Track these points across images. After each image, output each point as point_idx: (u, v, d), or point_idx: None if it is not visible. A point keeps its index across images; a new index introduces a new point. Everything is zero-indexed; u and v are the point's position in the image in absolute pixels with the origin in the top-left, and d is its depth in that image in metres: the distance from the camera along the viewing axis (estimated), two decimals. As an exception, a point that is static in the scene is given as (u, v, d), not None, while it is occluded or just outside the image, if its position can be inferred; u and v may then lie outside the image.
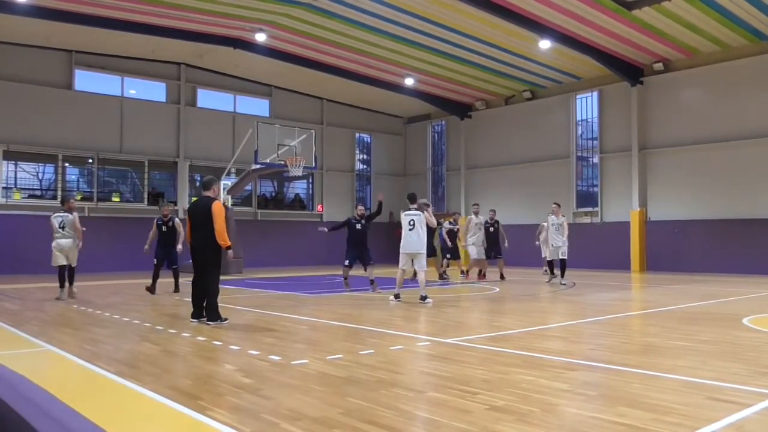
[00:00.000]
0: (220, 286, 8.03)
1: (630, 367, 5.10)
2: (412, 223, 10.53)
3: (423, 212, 10.67)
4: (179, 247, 12.23)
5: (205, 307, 7.87)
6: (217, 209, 7.77)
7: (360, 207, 13.34)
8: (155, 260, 12.24)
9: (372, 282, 12.51)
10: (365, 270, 12.73)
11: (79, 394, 4.42)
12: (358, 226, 12.64)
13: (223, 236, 7.77)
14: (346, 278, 12.75)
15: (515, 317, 8.85)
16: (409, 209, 10.72)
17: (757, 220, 18.11)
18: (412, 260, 10.64)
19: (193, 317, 7.99)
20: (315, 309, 9.75)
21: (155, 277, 12.12)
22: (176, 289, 12.35)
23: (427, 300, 10.29)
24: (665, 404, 3.87)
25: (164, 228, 12.24)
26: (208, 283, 7.87)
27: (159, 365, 5.38)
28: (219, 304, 7.92)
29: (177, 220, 12.60)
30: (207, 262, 7.87)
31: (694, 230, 19.42)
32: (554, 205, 14.44)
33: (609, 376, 4.84)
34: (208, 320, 7.79)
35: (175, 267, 12.41)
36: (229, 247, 8.00)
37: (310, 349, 6.08)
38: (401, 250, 10.67)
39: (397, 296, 10.57)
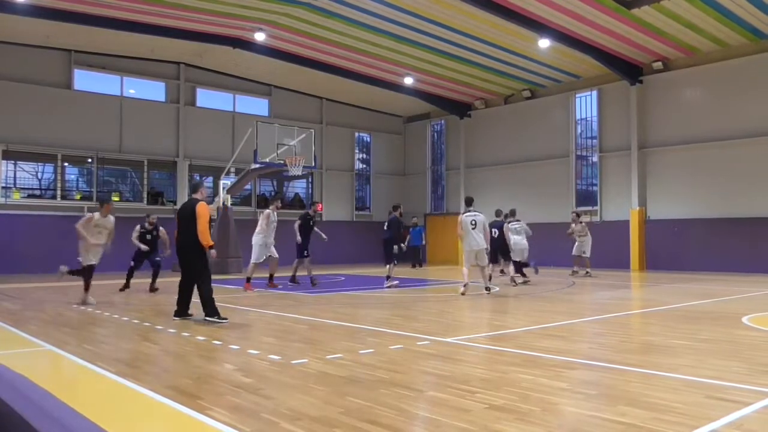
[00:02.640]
0: (212, 285, 8.08)
1: (630, 365, 5.10)
2: (474, 223, 11.51)
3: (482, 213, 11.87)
4: (168, 252, 12.41)
5: (202, 305, 7.94)
6: (201, 210, 7.92)
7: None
8: (134, 262, 12.64)
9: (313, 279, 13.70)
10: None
11: (79, 393, 4.42)
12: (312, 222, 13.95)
13: (205, 236, 7.90)
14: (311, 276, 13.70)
15: (515, 316, 8.85)
16: (469, 210, 11.72)
17: (756, 219, 18.12)
18: (476, 256, 11.58)
19: (175, 315, 8.14)
20: (314, 308, 9.75)
21: (129, 276, 12.56)
22: (153, 285, 12.53)
23: (494, 290, 11.41)
24: (665, 403, 3.87)
25: (148, 237, 12.63)
26: (199, 284, 7.98)
27: (159, 365, 5.38)
28: (216, 303, 7.95)
29: (162, 228, 12.90)
30: (192, 262, 8.01)
31: (694, 229, 19.43)
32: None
33: (609, 375, 4.84)
34: (206, 316, 7.87)
35: (157, 260, 12.65)
36: (211, 247, 8.03)
37: (310, 349, 6.08)
38: (466, 248, 11.66)
39: (465, 285, 11.51)
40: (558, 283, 14.59)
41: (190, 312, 8.17)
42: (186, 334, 7.02)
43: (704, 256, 19.03)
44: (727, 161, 18.81)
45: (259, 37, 20.31)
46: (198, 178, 24.62)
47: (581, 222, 17.55)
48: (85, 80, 21.52)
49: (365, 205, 28.65)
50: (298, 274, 14.01)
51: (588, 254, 17.20)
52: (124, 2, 17.26)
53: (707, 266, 18.76)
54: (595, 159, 22.54)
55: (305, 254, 13.61)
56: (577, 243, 17.28)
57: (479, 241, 11.51)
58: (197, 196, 8.32)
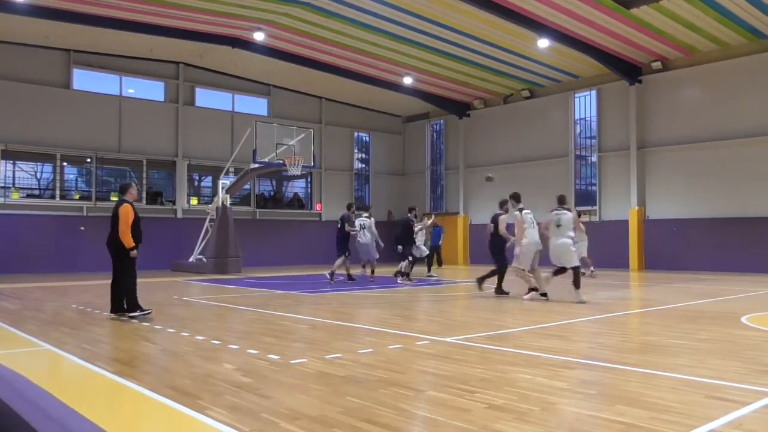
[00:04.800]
0: (137, 280, 8.35)
1: (629, 365, 5.11)
2: (558, 222, 10.76)
3: (572, 211, 11.04)
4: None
5: (125, 302, 8.23)
6: (122, 212, 8.14)
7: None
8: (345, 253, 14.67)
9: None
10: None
11: (78, 394, 4.41)
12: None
13: (125, 237, 8.10)
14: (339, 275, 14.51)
15: (514, 316, 8.85)
16: (558, 209, 10.95)
17: (755, 219, 18.14)
18: (559, 257, 10.69)
19: (111, 311, 8.36)
20: (314, 308, 9.75)
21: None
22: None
23: (546, 297, 10.73)
24: (664, 403, 3.88)
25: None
26: (122, 282, 8.23)
27: (158, 364, 5.38)
28: (216, 302, 7.96)
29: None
30: (116, 261, 8.27)
31: (693, 229, 19.45)
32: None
33: (608, 375, 4.84)
34: (127, 312, 8.16)
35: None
36: (133, 248, 8.17)
37: (309, 348, 6.07)
38: (552, 248, 10.70)
39: (544, 294, 10.88)
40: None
41: (125, 307, 8.36)
42: (185, 333, 7.01)
43: (703, 255, 19.05)
44: (726, 161, 18.83)
45: (258, 36, 20.31)
46: (198, 177, 24.65)
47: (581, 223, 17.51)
48: (84, 80, 21.51)
49: (364, 205, 28.63)
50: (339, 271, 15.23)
51: (585, 255, 17.03)
52: (124, 2, 17.25)
53: (706, 266, 18.77)
54: (594, 159, 22.55)
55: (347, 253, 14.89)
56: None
57: (562, 241, 10.66)
58: (126, 197, 8.50)
